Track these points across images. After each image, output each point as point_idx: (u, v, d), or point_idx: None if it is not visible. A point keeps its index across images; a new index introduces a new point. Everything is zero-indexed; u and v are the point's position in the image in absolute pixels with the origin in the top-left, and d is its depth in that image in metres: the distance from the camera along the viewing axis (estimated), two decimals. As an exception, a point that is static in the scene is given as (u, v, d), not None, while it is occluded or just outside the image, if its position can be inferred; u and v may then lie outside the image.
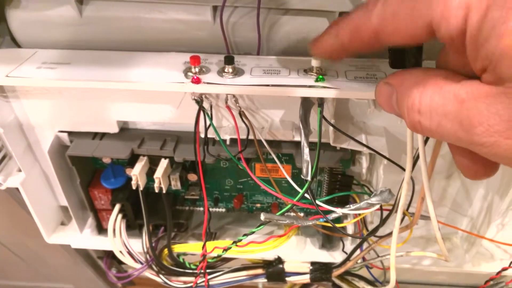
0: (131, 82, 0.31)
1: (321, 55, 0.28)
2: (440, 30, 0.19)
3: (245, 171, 0.44)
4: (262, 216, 0.32)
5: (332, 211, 0.33)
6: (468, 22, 0.18)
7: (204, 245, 0.37)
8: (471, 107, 0.19)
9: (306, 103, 0.34)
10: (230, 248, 0.36)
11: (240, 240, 0.35)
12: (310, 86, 0.30)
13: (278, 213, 0.33)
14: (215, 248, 0.38)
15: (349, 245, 0.46)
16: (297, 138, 0.37)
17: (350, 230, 0.46)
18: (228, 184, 0.46)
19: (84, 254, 0.59)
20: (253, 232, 0.34)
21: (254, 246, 0.37)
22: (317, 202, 0.33)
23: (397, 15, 0.21)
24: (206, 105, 0.35)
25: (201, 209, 0.48)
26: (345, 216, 0.45)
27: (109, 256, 0.58)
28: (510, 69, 0.17)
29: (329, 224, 0.35)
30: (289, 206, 0.33)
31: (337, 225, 0.34)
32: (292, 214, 0.42)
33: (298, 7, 0.34)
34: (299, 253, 0.46)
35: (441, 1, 0.18)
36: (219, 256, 0.38)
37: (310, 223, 0.33)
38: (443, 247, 0.35)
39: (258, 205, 0.47)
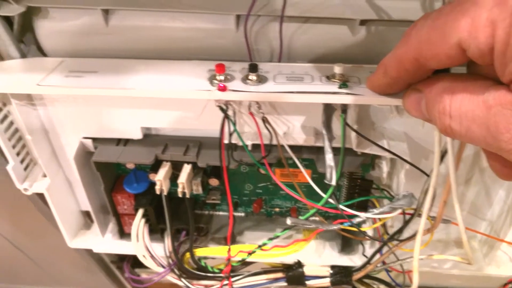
0: (160, 91, 0.32)
1: (378, 93, 0.30)
2: (469, 48, 0.20)
3: (265, 176, 0.45)
4: (288, 221, 0.33)
5: (355, 216, 0.34)
6: (495, 38, 0.19)
7: (229, 249, 0.38)
8: (498, 113, 0.19)
9: (329, 109, 0.34)
10: (254, 252, 0.36)
11: (265, 244, 0.36)
12: (334, 93, 0.31)
13: (302, 218, 0.33)
14: (239, 252, 0.38)
15: (368, 248, 0.46)
16: (318, 144, 0.38)
17: (368, 233, 0.46)
18: (248, 189, 0.46)
19: (97, 258, 0.60)
20: (277, 237, 0.35)
21: (278, 250, 0.38)
22: (341, 206, 0.33)
23: (430, 40, 0.22)
24: (229, 111, 0.35)
25: (221, 213, 0.49)
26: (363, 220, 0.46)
27: (124, 260, 0.59)
28: None
29: (351, 228, 0.35)
30: (313, 210, 0.33)
31: (362, 229, 0.34)
32: (316, 218, 0.42)
33: (319, 15, 0.34)
34: (318, 257, 0.47)
35: (468, 21, 0.19)
36: (243, 260, 0.39)
37: (335, 227, 0.34)
38: (468, 251, 0.35)
39: (277, 209, 0.48)
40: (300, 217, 0.33)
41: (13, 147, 0.40)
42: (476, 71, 0.23)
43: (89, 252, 0.52)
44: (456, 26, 0.20)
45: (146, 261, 0.45)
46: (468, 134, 0.21)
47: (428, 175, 0.34)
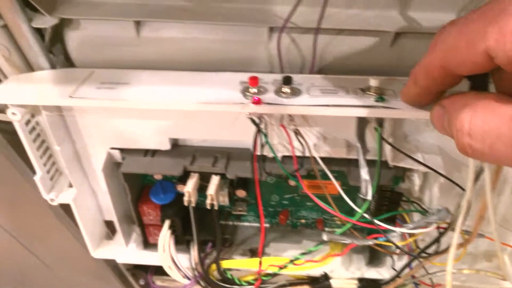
0: (196, 104, 0.31)
1: (412, 104, 0.29)
2: (497, 56, 0.19)
3: (291, 187, 0.44)
4: (325, 237, 0.32)
5: (391, 230, 0.33)
6: None
7: (260, 263, 0.37)
8: None
9: (362, 122, 0.34)
10: (286, 266, 0.36)
11: (297, 259, 0.35)
12: (371, 106, 0.30)
13: (337, 232, 0.33)
14: (270, 265, 0.38)
15: (396, 261, 0.45)
16: (350, 156, 0.37)
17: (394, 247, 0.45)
18: (274, 200, 0.46)
19: (113, 265, 0.60)
20: (311, 252, 0.34)
21: (310, 264, 0.37)
22: (376, 221, 0.33)
23: (456, 48, 0.21)
24: (261, 124, 0.35)
25: (245, 224, 0.48)
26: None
27: (139, 268, 0.58)
28: None
29: (382, 242, 0.35)
30: (349, 225, 0.33)
31: (398, 244, 0.33)
32: (350, 232, 0.42)
33: (353, 27, 0.34)
34: (345, 270, 0.46)
35: (495, 28, 0.19)
36: (274, 274, 0.38)
37: (370, 242, 0.33)
38: (504, 265, 0.35)
39: (303, 220, 0.47)
40: (336, 232, 0.33)
41: (40, 157, 0.40)
42: (503, 78, 0.23)
43: (105, 259, 0.52)
44: (483, 34, 0.19)
45: (172, 272, 0.44)
46: (492, 153, 0.20)
47: (463, 189, 0.33)
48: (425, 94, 0.27)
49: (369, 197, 0.31)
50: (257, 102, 0.31)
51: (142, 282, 0.63)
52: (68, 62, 0.39)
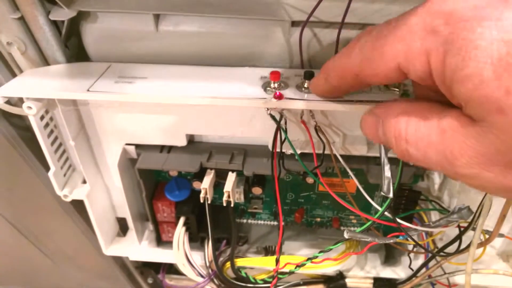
0: (216, 99, 0.31)
1: (320, 96, 0.30)
2: (409, 72, 0.20)
3: (308, 185, 0.44)
4: (346, 234, 0.32)
5: (412, 229, 0.33)
6: (431, 66, 0.19)
7: (277, 261, 0.37)
8: (452, 138, 0.19)
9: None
10: (304, 264, 0.35)
11: (316, 257, 0.35)
12: (397, 102, 0.30)
13: (358, 230, 0.32)
14: (287, 263, 0.37)
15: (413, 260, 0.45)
16: (369, 153, 0.37)
17: (411, 246, 0.45)
18: (289, 198, 0.45)
19: (121, 263, 0.59)
20: (330, 249, 0.34)
21: (329, 262, 0.37)
22: (398, 220, 0.32)
23: (371, 59, 0.22)
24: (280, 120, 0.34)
25: (260, 222, 0.48)
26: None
27: (147, 266, 0.58)
28: (477, 111, 0.17)
29: (401, 240, 0.34)
30: (369, 223, 0.32)
31: (419, 242, 0.33)
32: (370, 231, 0.41)
33: (377, 22, 0.33)
34: (360, 269, 0.45)
35: (404, 46, 0.19)
36: (291, 272, 0.38)
37: (391, 240, 0.33)
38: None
39: (318, 219, 0.47)
40: (356, 230, 0.32)
41: (54, 152, 0.39)
42: (421, 88, 0.23)
43: (113, 256, 0.52)
44: (395, 51, 0.20)
45: (186, 269, 0.44)
46: (425, 160, 0.21)
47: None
48: (335, 92, 0.28)
49: (391, 195, 0.31)
50: (279, 97, 0.31)
51: (150, 280, 0.63)
52: (84, 56, 0.38)
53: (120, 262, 0.59)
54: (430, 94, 0.23)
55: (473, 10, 0.17)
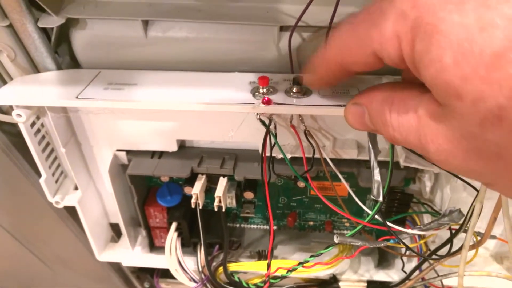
0: (205, 105, 0.31)
1: (315, 88, 0.31)
2: (384, 58, 0.20)
3: (300, 189, 0.44)
4: (336, 239, 0.31)
5: (403, 232, 0.33)
6: (402, 51, 0.19)
7: (269, 266, 0.37)
8: (426, 124, 0.19)
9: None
10: (296, 269, 0.35)
11: (307, 262, 0.35)
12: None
13: (348, 234, 0.32)
14: (278, 268, 0.37)
15: (406, 263, 0.45)
16: (360, 157, 0.37)
17: (403, 249, 0.45)
18: (282, 202, 0.45)
19: (117, 268, 0.59)
20: (321, 254, 0.34)
21: (320, 266, 0.37)
22: (389, 223, 0.32)
23: (349, 48, 0.22)
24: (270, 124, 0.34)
25: (252, 226, 0.48)
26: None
27: (143, 270, 0.58)
28: (441, 97, 0.17)
29: (393, 244, 0.34)
30: (359, 227, 0.32)
31: (410, 246, 0.33)
32: (361, 234, 0.41)
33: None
34: (353, 272, 0.45)
35: (377, 32, 0.19)
36: (282, 276, 0.38)
37: (381, 244, 0.33)
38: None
39: (311, 223, 0.47)
40: (346, 234, 0.32)
41: (45, 159, 0.39)
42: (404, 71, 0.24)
43: (109, 262, 0.52)
44: (370, 37, 0.20)
45: (179, 275, 0.44)
46: (408, 144, 0.21)
47: (477, 190, 0.33)
48: (325, 83, 0.28)
49: (381, 198, 0.31)
50: (268, 102, 0.31)
51: (147, 285, 0.63)
52: (74, 63, 0.38)
53: (116, 266, 0.59)
54: (414, 77, 0.23)
55: None
